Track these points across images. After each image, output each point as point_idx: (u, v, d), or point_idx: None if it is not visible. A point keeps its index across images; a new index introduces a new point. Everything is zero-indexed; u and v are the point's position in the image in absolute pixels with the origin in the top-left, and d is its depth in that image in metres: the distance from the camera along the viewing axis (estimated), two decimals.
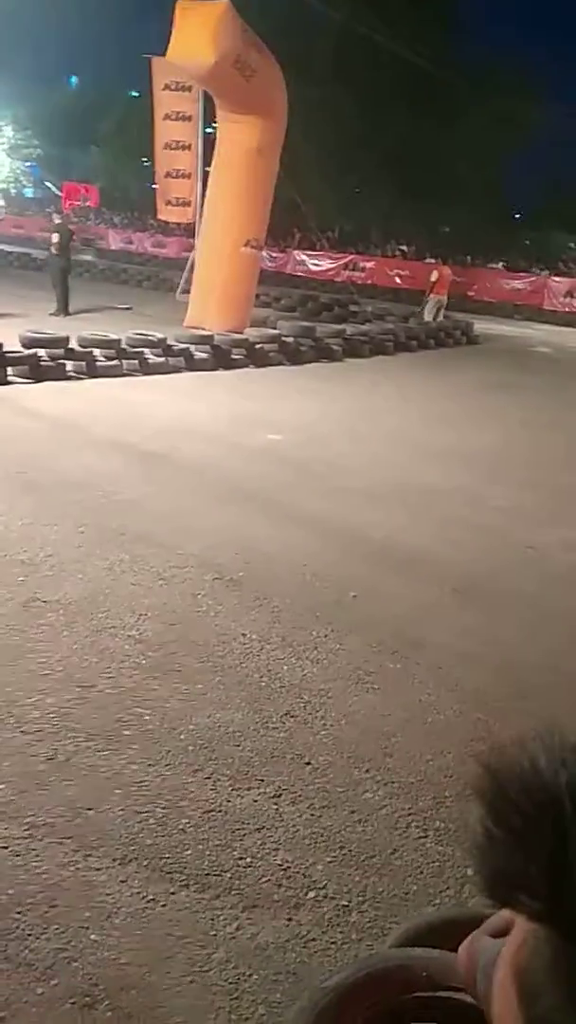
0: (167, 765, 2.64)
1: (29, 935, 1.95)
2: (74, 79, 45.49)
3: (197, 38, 10.79)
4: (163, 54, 11.82)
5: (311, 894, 2.18)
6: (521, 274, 24.90)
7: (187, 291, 14.06)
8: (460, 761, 2.83)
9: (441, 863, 2.35)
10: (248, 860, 2.27)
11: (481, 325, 17.01)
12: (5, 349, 8.26)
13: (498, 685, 3.37)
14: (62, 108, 36.65)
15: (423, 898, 2.21)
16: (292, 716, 2.99)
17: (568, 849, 0.38)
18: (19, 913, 2.01)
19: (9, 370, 8.35)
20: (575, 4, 53.50)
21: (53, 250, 13.67)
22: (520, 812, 0.40)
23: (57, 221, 15.12)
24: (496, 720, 3.09)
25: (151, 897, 2.11)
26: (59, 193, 38.29)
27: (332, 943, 2.04)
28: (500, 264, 26.07)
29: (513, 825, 0.40)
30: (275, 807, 2.50)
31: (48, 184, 40.50)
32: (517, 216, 34.71)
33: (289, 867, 2.27)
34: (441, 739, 2.95)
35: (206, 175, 14.07)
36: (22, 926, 1.98)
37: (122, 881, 2.15)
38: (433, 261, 17.42)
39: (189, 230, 17.46)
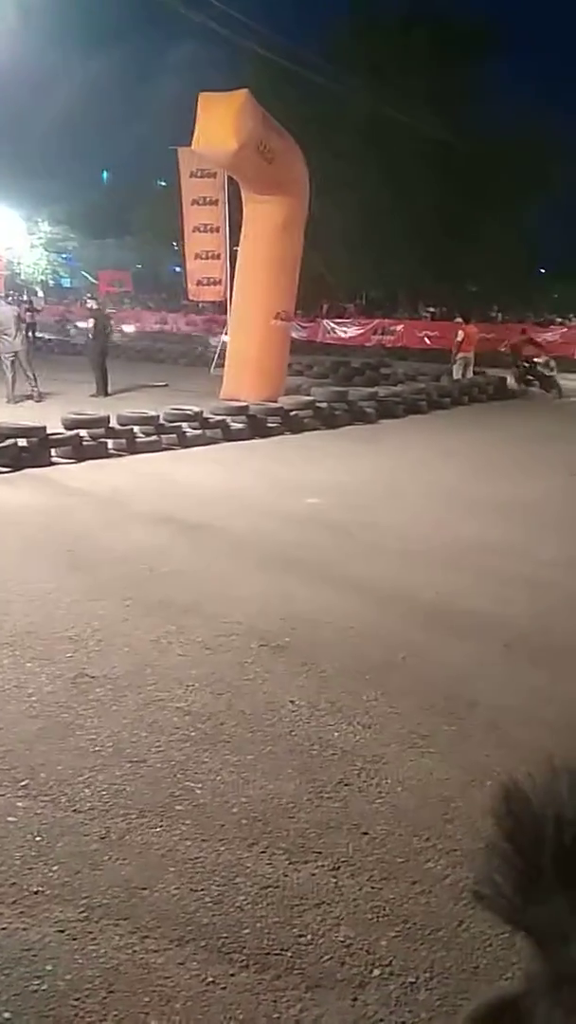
0: (221, 840, 2.59)
1: (89, 1023, 1.90)
2: (106, 174, 47.99)
3: (220, 127, 11.34)
4: (188, 144, 12.42)
5: (376, 971, 2.09)
6: (552, 327, 25.05)
7: (221, 365, 14.41)
8: None
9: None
10: (309, 937, 2.20)
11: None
12: (48, 431, 8.52)
13: (558, 744, 3.25)
14: (95, 202, 38.60)
15: (494, 972, 2.10)
16: (346, 784, 2.93)
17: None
18: (77, 1000, 1.96)
19: (53, 451, 8.59)
20: None
21: (90, 335, 14.18)
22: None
23: (93, 307, 15.73)
24: None
25: (211, 979, 2.04)
26: (95, 281, 39.95)
27: (401, 1023, 1.94)
28: (529, 318, 26.27)
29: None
30: (334, 880, 2.43)
31: (84, 274, 42.33)
32: (543, 270, 35.12)
33: (352, 943, 2.18)
34: None
35: (234, 254, 14.58)
36: (81, 1013, 1.92)
37: (180, 963, 2.09)
38: (460, 321, 17.66)
39: (220, 307, 18.00)
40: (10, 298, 16.02)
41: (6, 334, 12.48)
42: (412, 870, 2.49)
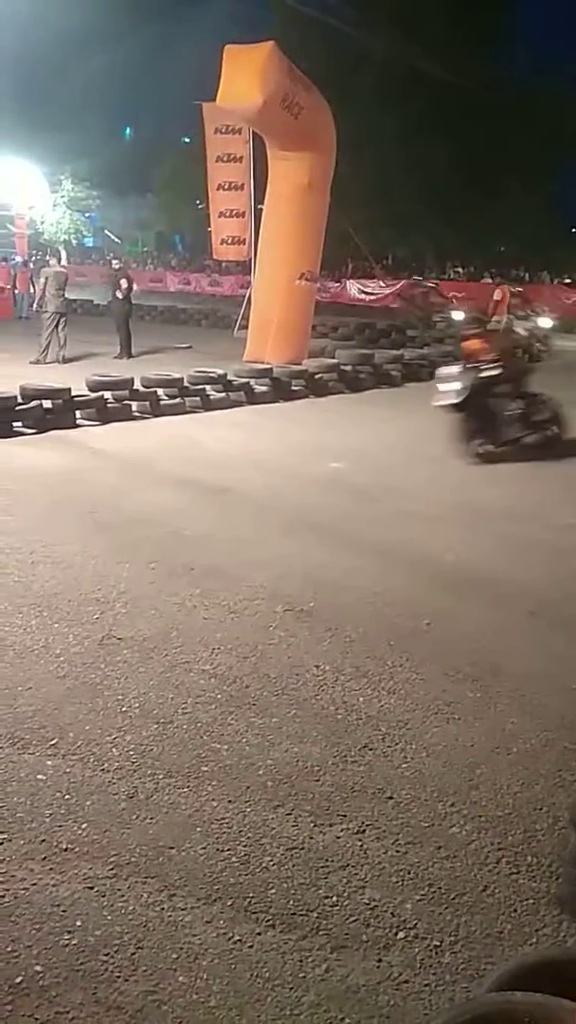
0: (247, 801, 2.61)
1: (118, 977, 1.94)
2: (128, 130, 47.21)
3: (245, 81, 11.06)
4: (213, 99, 12.15)
5: (401, 934, 2.11)
6: None
7: (244, 327, 14.28)
8: (550, 792, 2.72)
9: (536, 900, 2.25)
10: (334, 899, 2.22)
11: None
12: (73, 393, 8.51)
13: None
14: (118, 159, 38.06)
15: (519, 938, 2.12)
16: (371, 749, 2.94)
17: None
18: (107, 955, 2.00)
19: (78, 413, 8.58)
20: None
21: (118, 295, 14.08)
22: None
23: (116, 267, 15.59)
24: None
25: (238, 938, 2.07)
26: (118, 240, 39.52)
27: (425, 985, 1.96)
28: (565, 279, 25.68)
29: None
30: (359, 843, 2.44)
31: (108, 233, 41.90)
32: (574, 230, 34.25)
33: (376, 906, 2.20)
34: (528, 769, 2.84)
35: (258, 213, 14.34)
36: (111, 968, 1.96)
37: (207, 922, 2.12)
38: (491, 281, 17.28)
39: (244, 267, 17.78)
40: (104, 262, 16.30)
41: (56, 295, 12.75)
42: (437, 835, 2.50)
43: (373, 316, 21.47)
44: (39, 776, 2.70)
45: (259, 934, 2.09)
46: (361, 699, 3.27)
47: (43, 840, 2.40)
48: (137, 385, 9.29)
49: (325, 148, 12.74)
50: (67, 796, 2.60)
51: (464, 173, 26.70)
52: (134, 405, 9.14)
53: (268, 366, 11.08)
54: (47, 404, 8.30)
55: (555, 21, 48.22)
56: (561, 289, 24.88)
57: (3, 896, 2.18)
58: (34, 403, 8.19)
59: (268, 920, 2.14)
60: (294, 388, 10.83)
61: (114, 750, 2.85)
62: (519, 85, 26.66)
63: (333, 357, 12.44)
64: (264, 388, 10.51)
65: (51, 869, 2.29)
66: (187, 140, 29.57)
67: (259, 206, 14.43)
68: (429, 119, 25.72)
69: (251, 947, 2.05)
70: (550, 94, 26.11)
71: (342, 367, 11.73)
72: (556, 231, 30.59)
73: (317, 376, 11.24)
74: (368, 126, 24.05)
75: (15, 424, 7.99)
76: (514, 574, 4.72)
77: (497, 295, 16.77)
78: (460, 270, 28.81)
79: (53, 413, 8.30)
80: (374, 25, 22.75)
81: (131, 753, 2.84)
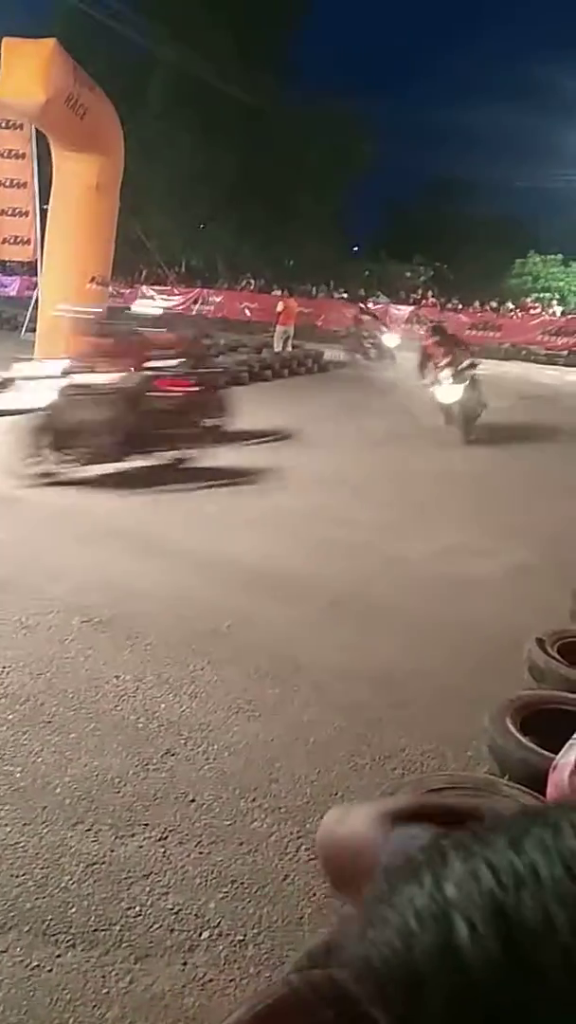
0: (43, 822, 2.50)
1: None
2: None
3: (26, 76, 10.62)
4: None
5: (205, 934, 2.13)
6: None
7: (33, 329, 13.68)
8: (344, 777, 2.86)
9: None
10: (137, 909, 2.19)
11: (332, 353, 17.54)
12: None
13: (375, 696, 3.43)
14: None
15: (318, 920, 2.20)
16: (173, 754, 2.93)
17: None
18: None
19: None
20: (398, 50, 57.04)
21: None
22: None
23: None
24: (375, 732, 3.15)
25: (35, 963, 1.98)
26: None
27: (231, 981, 1.99)
28: (343, 294, 27.13)
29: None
30: (162, 850, 2.43)
31: None
32: (355, 248, 36.28)
33: (180, 910, 2.20)
34: (325, 757, 2.97)
35: (44, 212, 13.81)
36: None
37: (2, 951, 2.01)
38: (280, 293, 17.97)
39: (31, 268, 17.04)
40: None
41: None
42: (239, 831, 2.54)
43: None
44: None
45: (59, 956, 2.01)
46: (163, 706, 3.25)
47: None
48: None
49: (112, 150, 12.54)
50: None
51: (254, 186, 27.40)
52: None
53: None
54: None
55: (339, 51, 51.06)
56: (344, 304, 26.25)
57: None
58: None
59: (68, 940, 2.06)
60: None
61: None
62: (305, 103, 27.78)
63: None
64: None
65: None
66: None
67: (44, 206, 13.90)
68: (219, 130, 26.12)
69: (50, 971, 1.97)
70: (334, 114, 27.47)
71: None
72: (340, 247, 32.25)
73: None
74: (159, 133, 24.00)
75: None
76: (312, 570, 4.91)
77: (280, 307, 17.43)
78: (252, 282, 29.50)
79: None
80: (161, 35, 22.71)
81: None
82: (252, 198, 27.47)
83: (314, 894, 2.29)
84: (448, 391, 9.52)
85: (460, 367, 9.51)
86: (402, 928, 0.30)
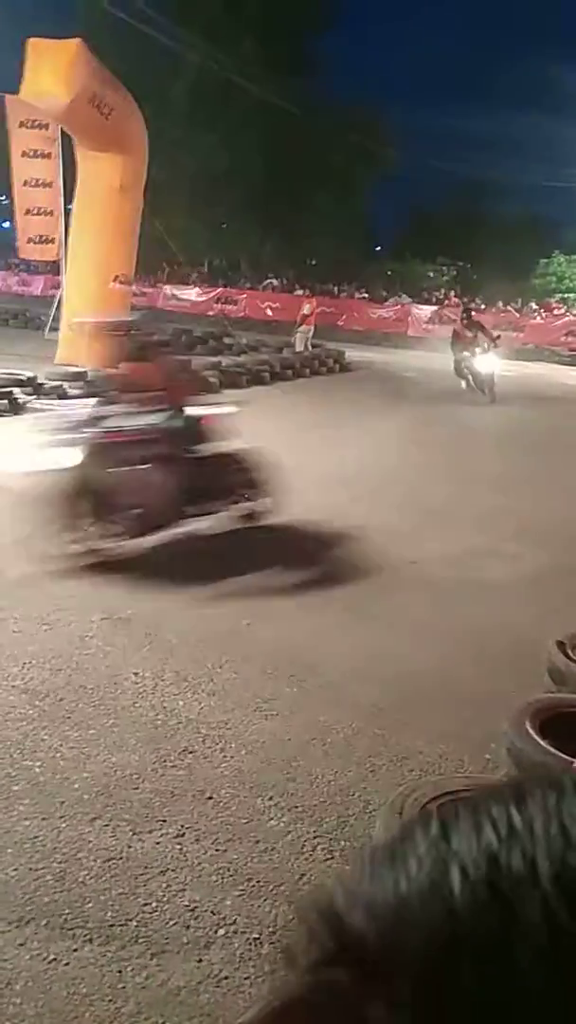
0: (62, 817, 2.52)
1: None
2: None
3: (51, 76, 10.74)
4: (16, 92, 11.66)
5: (221, 931, 2.13)
6: (386, 303, 25.94)
7: (56, 328, 13.80)
8: (361, 778, 2.85)
9: None
10: (154, 905, 2.20)
11: (353, 353, 17.53)
12: None
13: (385, 697, 3.42)
14: None
15: None
16: (191, 752, 2.94)
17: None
18: None
19: None
20: (425, 54, 56.89)
21: None
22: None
23: None
24: (392, 733, 3.14)
25: (53, 957, 2.00)
26: None
27: (246, 979, 1.99)
28: (364, 294, 27.08)
29: None
30: (179, 847, 2.44)
31: None
32: (378, 248, 36.21)
33: (197, 907, 2.21)
34: (341, 758, 2.97)
35: (68, 212, 13.92)
36: None
37: (20, 944, 2.03)
38: (302, 293, 17.97)
39: (55, 267, 17.16)
40: None
41: None
42: (255, 829, 2.54)
43: (189, 323, 21.49)
44: None
45: (75, 950, 2.03)
46: (181, 703, 3.27)
47: None
48: None
49: (136, 150, 12.63)
50: None
51: (278, 187, 27.43)
52: None
53: (83, 369, 10.77)
54: None
55: (366, 48, 50.94)
56: (366, 303, 26.20)
57: None
58: None
59: (85, 935, 2.08)
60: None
61: None
62: (329, 108, 27.77)
63: None
64: (78, 391, 10.19)
65: None
66: None
67: (68, 206, 14.01)
68: (244, 131, 26.18)
69: (67, 964, 1.98)
70: (359, 117, 27.44)
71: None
72: (362, 248, 32.20)
73: None
74: (184, 133, 24.09)
75: None
76: (328, 572, 4.90)
77: (306, 308, 17.40)
78: (274, 282, 29.53)
79: None
80: (187, 36, 22.78)
81: None
82: (276, 198, 27.51)
83: None
84: (483, 361, 12.85)
85: (487, 346, 12.81)
86: (401, 871, 0.32)
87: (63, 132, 13.85)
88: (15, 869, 2.28)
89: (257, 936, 2.12)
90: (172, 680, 3.44)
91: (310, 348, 16.98)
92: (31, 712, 3.11)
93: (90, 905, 2.18)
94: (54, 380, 10.09)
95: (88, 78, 11.04)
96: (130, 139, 12.40)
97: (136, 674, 3.47)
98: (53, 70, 10.71)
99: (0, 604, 4.04)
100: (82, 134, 12.17)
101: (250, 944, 2.10)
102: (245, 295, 27.13)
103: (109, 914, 2.15)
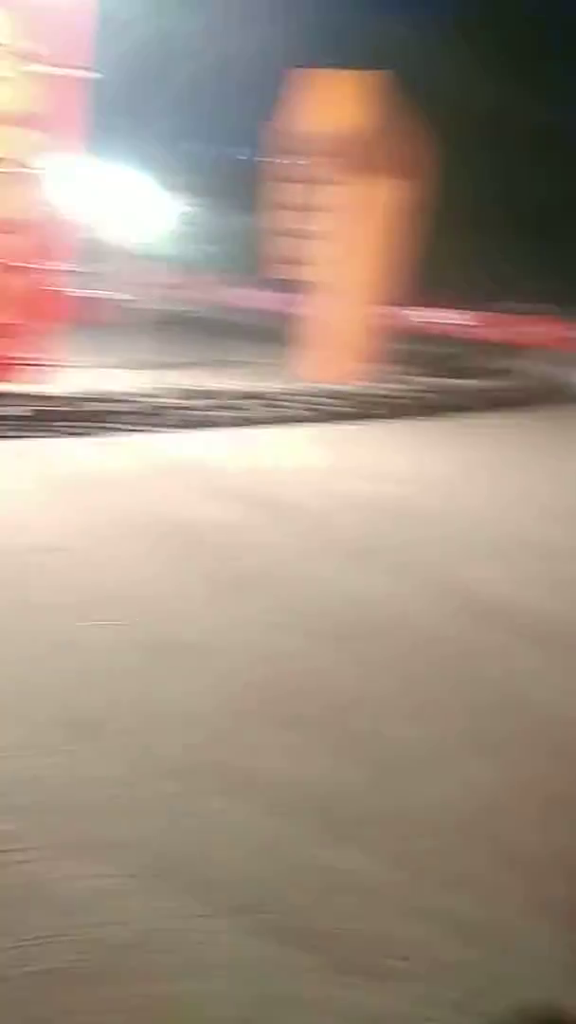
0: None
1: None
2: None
3: (340, 106, 11.03)
4: (274, 120, 12.05)
5: None
6: None
7: (307, 344, 14.05)
8: None
9: None
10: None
11: None
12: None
13: None
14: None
15: None
16: None
17: None
18: None
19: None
20: None
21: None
22: None
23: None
24: None
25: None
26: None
27: None
28: None
29: None
30: None
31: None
32: None
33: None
34: None
35: (323, 234, 14.03)
36: None
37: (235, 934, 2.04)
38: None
39: (309, 286, 17.40)
40: None
41: None
42: None
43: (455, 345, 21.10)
44: None
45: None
46: None
47: None
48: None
49: (418, 175, 12.59)
50: None
51: (558, 207, 26.31)
52: None
53: (342, 387, 10.98)
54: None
55: None
56: None
57: None
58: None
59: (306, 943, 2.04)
60: (375, 409, 10.80)
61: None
62: None
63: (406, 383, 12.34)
64: (332, 407, 10.43)
65: None
66: (243, 158, 29.26)
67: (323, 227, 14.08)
68: (518, 149, 25.50)
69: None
70: None
71: (418, 393, 11.64)
72: None
73: (396, 399, 11.14)
74: (454, 154, 23.86)
75: None
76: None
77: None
78: (542, 307, 28.15)
79: None
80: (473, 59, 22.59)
81: None
82: (553, 220, 26.37)
83: None
84: None
85: None
86: None
87: (330, 157, 14.07)
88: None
89: None
90: None
91: None
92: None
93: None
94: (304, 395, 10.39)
95: (377, 107, 11.17)
96: (411, 165, 12.37)
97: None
98: (343, 100, 10.98)
99: None
100: (362, 161, 12.34)
101: None
102: (516, 319, 26.08)
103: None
